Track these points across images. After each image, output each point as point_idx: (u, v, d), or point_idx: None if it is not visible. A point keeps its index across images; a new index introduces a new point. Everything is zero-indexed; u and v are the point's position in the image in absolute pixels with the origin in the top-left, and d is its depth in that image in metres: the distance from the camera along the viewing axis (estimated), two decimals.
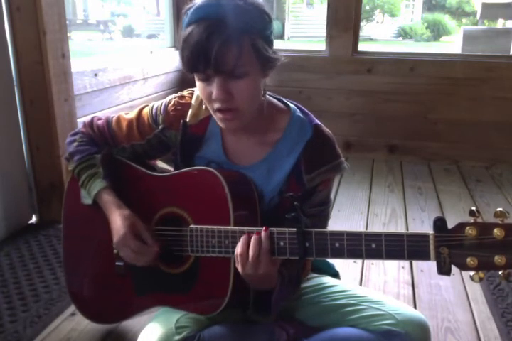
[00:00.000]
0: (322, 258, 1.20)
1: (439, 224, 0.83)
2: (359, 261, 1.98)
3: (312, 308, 1.15)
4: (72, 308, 1.61)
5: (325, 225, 1.16)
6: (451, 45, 12.14)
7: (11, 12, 1.99)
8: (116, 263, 1.17)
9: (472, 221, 0.81)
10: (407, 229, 2.29)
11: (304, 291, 1.18)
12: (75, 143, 1.20)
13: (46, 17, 1.99)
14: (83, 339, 1.47)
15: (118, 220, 1.09)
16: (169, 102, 1.14)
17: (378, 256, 0.87)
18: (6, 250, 1.98)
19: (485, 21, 11.35)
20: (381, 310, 1.07)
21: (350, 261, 1.98)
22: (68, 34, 2.18)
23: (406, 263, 1.97)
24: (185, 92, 1.15)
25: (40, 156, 2.18)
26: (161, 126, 1.14)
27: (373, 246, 0.86)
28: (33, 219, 2.28)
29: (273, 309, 1.05)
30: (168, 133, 1.14)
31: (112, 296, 1.22)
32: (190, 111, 1.12)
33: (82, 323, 1.54)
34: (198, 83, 0.99)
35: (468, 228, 0.80)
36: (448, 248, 0.82)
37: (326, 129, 1.10)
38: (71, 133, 1.24)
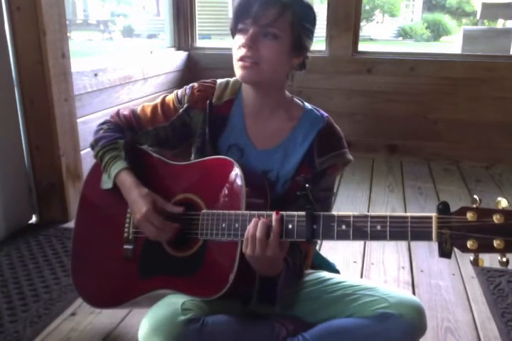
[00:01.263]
0: (328, 240, 1.24)
1: (442, 207, 0.86)
2: (359, 261, 1.98)
3: (310, 304, 1.17)
4: (72, 308, 1.61)
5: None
6: (451, 45, 12.12)
7: (11, 12, 2.00)
8: (125, 247, 1.20)
9: (474, 206, 0.84)
10: None
11: (301, 286, 1.19)
12: (102, 131, 1.26)
13: (46, 17, 1.99)
14: (83, 339, 1.47)
15: (138, 199, 1.13)
16: (193, 85, 1.23)
17: (382, 237, 0.89)
18: (6, 250, 1.98)
19: (485, 21, 11.33)
20: (374, 295, 1.09)
21: (350, 261, 1.98)
22: (68, 34, 2.18)
23: (406, 264, 1.97)
24: (207, 80, 1.24)
25: (40, 156, 2.18)
26: (185, 105, 1.22)
27: (378, 227, 0.89)
28: (33, 219, 2.29)
29: (278, 296, 1.07)
30: (192, 113, 1.21)
31: (116, 279, 1.24)
32: (215, 93, 1.21)
33: (82, 323, 1.54)
34: (236, 37, 1.09)
35: (469, 212, 0.83)
36: (450, 229, 0.84)
37: (335, 123, 1.21)
38: (99, 123, 1.31)
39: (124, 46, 11.00)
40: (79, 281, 1.32)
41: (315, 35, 1.15)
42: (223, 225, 1.04)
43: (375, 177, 3.08)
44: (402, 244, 2.12)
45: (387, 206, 2.59)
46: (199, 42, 3.71)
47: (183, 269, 1.10)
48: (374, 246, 2.12)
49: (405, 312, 1.04)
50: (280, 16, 1.04)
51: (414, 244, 2.11)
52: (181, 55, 3.52)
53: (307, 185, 0.97)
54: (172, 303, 1.06)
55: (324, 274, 1.23)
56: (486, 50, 5.66)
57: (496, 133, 3.27)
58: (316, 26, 1.14)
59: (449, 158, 3.37)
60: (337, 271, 1.32)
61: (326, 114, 1.20)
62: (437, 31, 16.84)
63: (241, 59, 1.07)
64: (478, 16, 9.99)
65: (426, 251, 2.06)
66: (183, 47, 3.61)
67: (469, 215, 0.83)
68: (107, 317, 1.56)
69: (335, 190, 1.23)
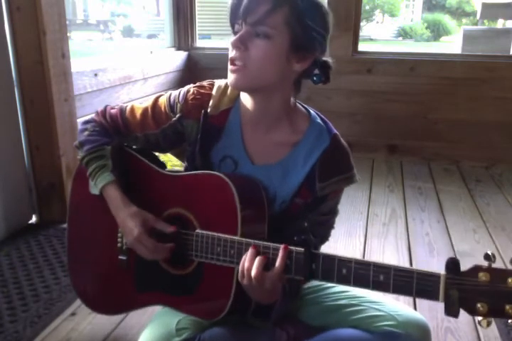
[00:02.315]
0: (327, 282, 1.21)
1: (452, 265, 0.79)
2: None
3: (313, 308, 1.15)
4: (72, 308, 1.61)
5: (328, 234, 1.17)
6: (451, 45, 12.12)
7: (11, 12, 1.99)
8: (120, 257, 1.17)
9: (487, 265, 0.77)
10: (407, 229, 2.29)
11: (304, 292, 1.18)
12: (86, 132, 1.17)
13: (46, 17, 1.99)
14: (83, 340, 1.47)
15: (127, 219, 1.07)
16: (188, 91, 1.12)
17: (385, 289, 0.85)
18: (6, 250, 1.98)
19: (485, 21, 11.33)
20: (382, 310, 1.07)
21: None
22: (68, 34, 2.18)
23: (406, 264, 1.96)
24: (205, 83, 1.14)
25: (40, 156, 2.18)
26: (178, 115, 1.12)
27: (381, 278, 0.84)
28: (33, 219, 2.28)
29: (273, 317, 1.05)
30: (185, 122, 1.12)
31: (113, 289, 1.21)
32: (211, 101, 1.10)
33: (82, 323, 1.54)
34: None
35: (481, 273, 0.77)
36: (458, 291, 0.78)
37: (343, 141, 1.10)
38: (83, 121, 1.21)
39: (124, 46, 10.99)
40: (77, 285, 1.30)
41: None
42: (218, 249, 0.98)
43: (375, 177, 3.08)
44: (402, 244, 2.12)
45: (387, 206, 2.59)
46: (199, 42, 3.71)
47: (180, 288, 1.07)
48: (374, 245, 2.12)
49: (412, 331, 1.02)
50: (272, 13, 0.93)
51: (413, 242, 2.11)
52: (181, 55, 3.52)
53: (306, 224, 0.92)
54: (167, 322, 1.04)
55: None
56: (486, 50, 5.66)
57: (496, 133, 3.27)
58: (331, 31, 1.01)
59: (449, 158, 3.37)
60: None
61: (334, 131, 1.09)
62: (437, 31, 16.84)
63: (230, 61, 0.98)
64: (478, 16, 9.99)
65: (426, 251, 2.06)
66: (183, 47, 3.61)
67: (481, 277, 0.76)
68: (106, 317, 1.55)
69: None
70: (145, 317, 1.48)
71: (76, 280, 1.30)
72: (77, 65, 2.31)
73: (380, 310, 1.07)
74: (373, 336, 1.04)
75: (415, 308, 1.64)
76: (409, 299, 1.72)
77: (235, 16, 0.97)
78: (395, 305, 1.09)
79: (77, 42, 10.30)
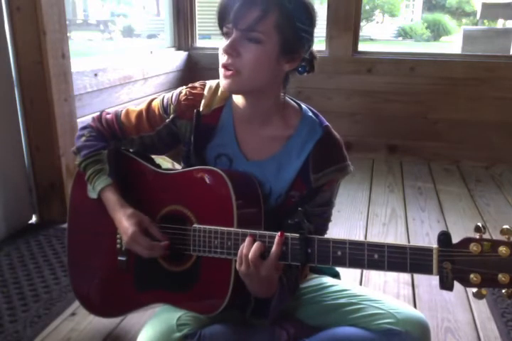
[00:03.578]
0: (323, 266, 1.21)
1: (444, 238, 0.81)
2: None
3: (313, 308, 1.15)
4: (72, 308, 1.61)
5: (326, 226, 1.17)
6: (451, 45, 12.12)
7: (11, 12, 2.00)
8: (119, 258, 1.18)
9: (478, 237, 0.79)
10: (407, 229, 2.30)
11: (304, 291, 1.18)
12: (83, 138, 1.21)
13: (46, 17, 1.99)
14: (83, 340, 1.47)
15: (123, 220, 1.09)
16: (180, 92, 1.15)
17: (380, 267, 0.86)
18: (6, 250, 1.98)
19: (485, 21, 11.32)
20: (381, 309, 1.07)
21: None
22: (68, 34, 2.18)
23: None
24: (197, 84, 1.16)
25: (40, 156, 2.18)
26: (171, 116, 1.14)
27: (375, 256, 0.86)
28: (33, 219, 2.28)
29: (271, 314, 1.05)
30: (178, 123, 1.14)
31: (113, 290, 1.22)
32: (202, 101, 1.12)
33: (82, 323, 1.54)
34: (223, 40, 1.01)
35: (473, 244, 0.78)
36: (451, 263, 0.80)
37: (335, 132, 1.12)
38: (81, 127, 1.25)
39: (124, 46, 10.99)
40: (77, 288, 1.31)
41: (315, 35, 1.05)
42: (215, 242, 1.00)
43: (375, 177, 3.08)
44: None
45: (387, 206, 2.59)
46: (199, 42, 3.71)
47: (179, 285, 1.08)
48: None
49: (412, 329, 1.02)
50: (262, 18, 0.93)
51: (413, 242, 2.09)
52: (181, 55, 3.52)
53: (300, 209, 0.93)
54: (167, 318, 1.05)
55: (327, 280, 1.21)
56: (486, 50, 5.65)
57: (496, 133, 3.27)
58: (317, 25, 1.03)
59: (449, 158, 3.37)
60: (337, 272, 1.31)
61: (325, 123, 1.11)
62: (437, 31, 16.84)
63: (223, 67, 0.99)
64: (478, 16, 9.97)
65: None
66: (183, 47, 3.61)
67: (472, 248, 0.78)
68: None
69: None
70: (145, 317, 1.48)
71: (76, 282, 1.31)
72: (77, 64, 2.31)
73: (379, 308, 1.07)
74: (373, 334, 1.04)
75: (415, 307, 1.64)
76: (409, 298, 1.72)
77: (224, 20, 0.98)
78: (395, 303, 1.09)
79: (77, 42, 10.30)
